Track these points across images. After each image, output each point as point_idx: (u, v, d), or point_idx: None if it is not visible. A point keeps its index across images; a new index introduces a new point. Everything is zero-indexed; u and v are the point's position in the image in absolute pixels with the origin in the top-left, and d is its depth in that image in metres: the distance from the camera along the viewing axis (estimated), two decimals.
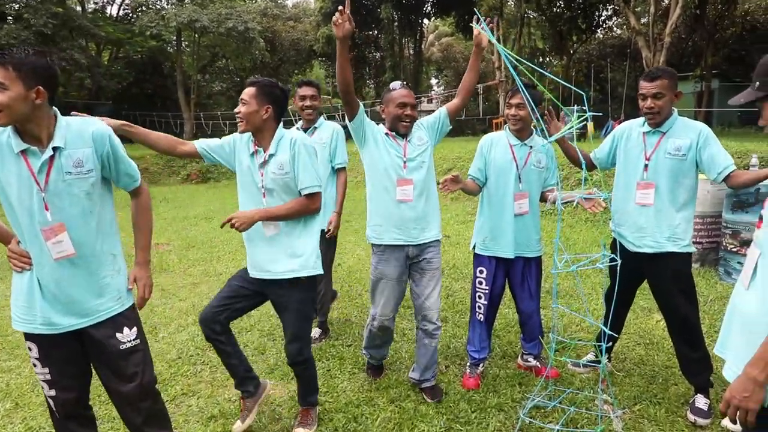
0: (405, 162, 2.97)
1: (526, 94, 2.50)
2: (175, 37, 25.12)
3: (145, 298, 2.23)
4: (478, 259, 3.31)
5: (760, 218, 1.66)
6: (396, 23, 28.56)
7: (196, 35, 24.42)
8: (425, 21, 31.62)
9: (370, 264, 3.16)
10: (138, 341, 2.17)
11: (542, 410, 2.98)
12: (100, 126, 2.03)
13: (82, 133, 1.98)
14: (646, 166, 2.96)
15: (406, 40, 30.96)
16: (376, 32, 31.01)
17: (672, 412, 2.98)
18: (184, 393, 3.32)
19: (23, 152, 1.89)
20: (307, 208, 2.65)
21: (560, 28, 25.18)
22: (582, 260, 4.52)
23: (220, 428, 2.93)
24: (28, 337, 2.07)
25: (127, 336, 2.13)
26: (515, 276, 3.31)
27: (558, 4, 25.43)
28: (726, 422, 2.65)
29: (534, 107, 2.76)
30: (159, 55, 29.04)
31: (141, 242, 2.26)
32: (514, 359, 3.65)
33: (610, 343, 3.20)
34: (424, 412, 3.02)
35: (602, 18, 26.12)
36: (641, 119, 3.04)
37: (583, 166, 2.85)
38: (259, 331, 4.30)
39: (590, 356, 3.55)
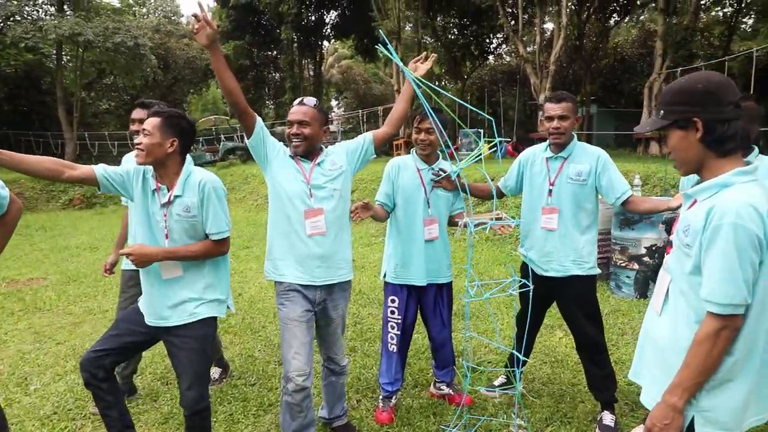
0: (310, 189, 2.70)
1: (436, 119, 2.44)
2: (55, 51, 23.21)
3: None
4: (390, 288, 3.20)
5: (670, 243, 1.68)
6: (296, 44, 28.42)
7: (80, 49, 22.71)
8: (325, 43, 31.76)
9: (272, 293, 2.91)
10: None
11: None
12: None
13: None
14: (550, 191, 3.01)
15: (305, 61, 30.86)
16: (275, 53, 30.68)
17: (583, 430, 3.02)
18: None
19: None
20: (214, 251, 2.44)
21: (455, 54, 26.30)
22: (493, 286, 4.55)
23: None
24: None
25: None
26: (427, 304, 3.23)
27: (452, 31, 26.61)
28: None
29: (443, 131, 2.72)
30: (37, 69, 26.64)
31: None
32: (427, 387, 3.56)
33: (523, 367, 3.21)
34: None
35: (493, 45, 27.64)
36: (544, 145, 3.11)
37: (494, 196, 2.86)
38: (152, 374, 3.89)
39: (501, 379, 3.55)
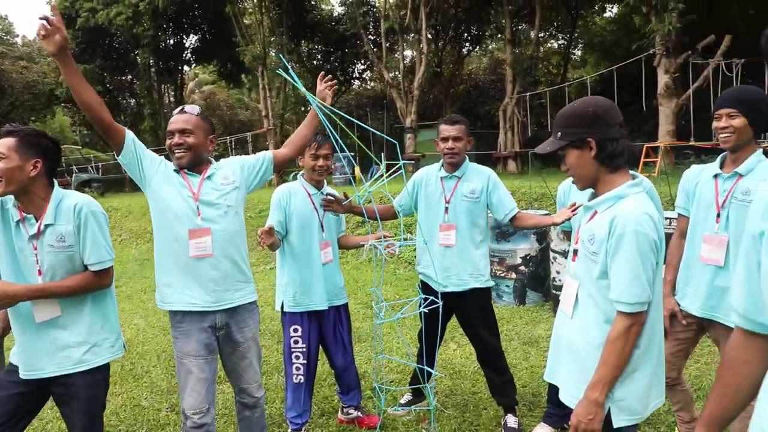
0: (198, 207, 2.45)
1: (343, 145, 2.45)
2: None
3: None
4: (290, 318, 3.10)
5: (575, 252, 1.83)
6: (153, 69, 26.96)
7: None
8: (185, 68, 30.47)
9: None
10: None
11: None
12: None
13: None
14: (446, 208, 3.15)
15: (165, 87, 29.33)
16: (130, 77, 28.81)
17: None
18: None
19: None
20: (96, 284, 2.18)
21: None
22: (398, 307, 4.59)
23: None
24: None
25: None
26: (327, 328, 3.18)
27: (317, 57, 26.99)
28: None
29: (349, 156, 2.73)
30: None
31: None
32: (334, 415, 3.50)
33: (432, 383, 3.28)
34: None
35: (358, 71, 28.48)
36: (437, 165, 3.25)
37: (399, 216, 2.92)
38: None
39: (408, 397, 3.59)
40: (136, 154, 2.41)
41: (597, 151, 1.72)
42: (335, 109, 2.35)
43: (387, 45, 19.72)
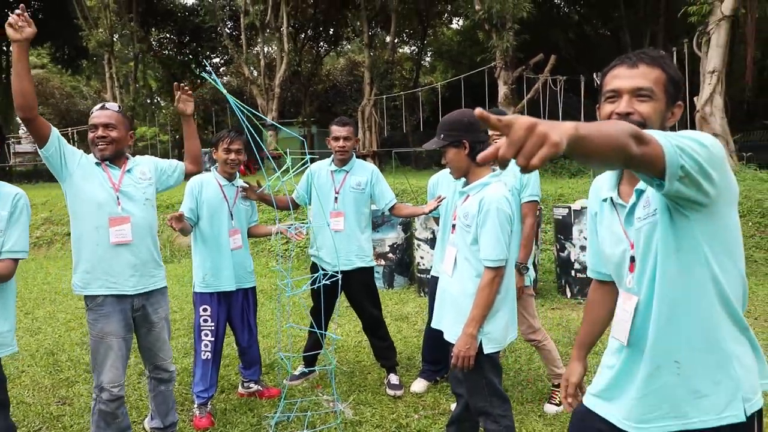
0: (118, 197, 2.69)
1: (257, 138, 2.78)
2: None
3: None
4: (201, 298, 3.37)
5: (453, 226, 2.42)
6: None
7: None
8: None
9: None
10: None
11: (281, 425, 3.26)
12: None
13: None
14: (336, 198, 3.62)
15: None
16: None
17: (376, 392, 3.68)
18: None
19: None
20: (12, 272, 2.32)
21: (174, 71, 25.50)
22: (302, 283, 4.89)
23: None
24: None
25: None
26: (235, 309, 3.50)
27: (169, 47, 25.74)
28: (547, 407, 3.41)
29: (263, 148, 3.05)
30: None
31: None
32: (234, 390, 3.80)
33: (319, 351, 3.74)
34: None
35: (216, 66, 27.62)
36: (328, 160, 3.70)
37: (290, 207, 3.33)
38: None
39: (301, 368, 4.00)
40: (59, 149, 2.58)
41: (469, 150, 2.31)
42: (253, 110, 2.69)
43: (245, 40, 19.57)
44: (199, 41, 24.64)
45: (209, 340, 3.37)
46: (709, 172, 1.18)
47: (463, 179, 2.44)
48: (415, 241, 6.31)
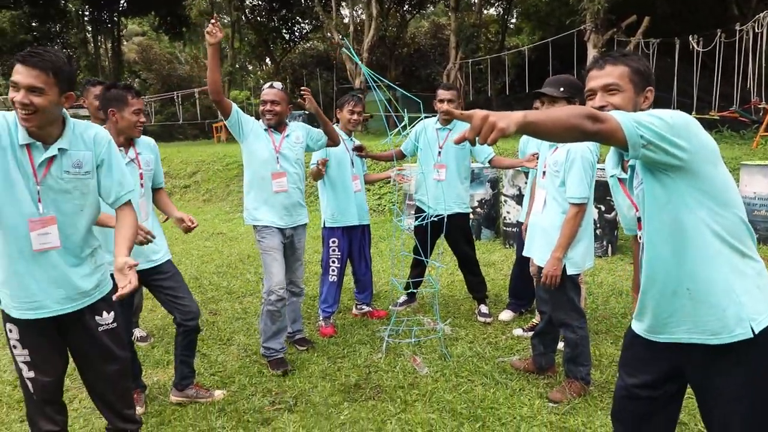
0: (278, 157, 3.49)
1: (387, 104, 3.45)
2: None
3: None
4: (330, 232, 4.14)
5: (544, 173, 2.97)
6: (86, 18, 25.99)
7: None
8: (123, 19, 29.40)
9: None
10: (116, 323, 2.35)
11: (391, 336, 4.01)
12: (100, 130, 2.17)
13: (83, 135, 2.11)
14: (439, 152, 4.24)
15: (101, 38, 28.27)
16: (59, 27, 27.57)
17: (468, 319, 4.35)
18: None
19: (28, 146, 1.99)
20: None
21: (266, 37, 26.73)
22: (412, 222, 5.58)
23: None
24: (8, 319, 2.12)
25: (106, 319, 2.32)
26: (355, 243, 4.24)
27: (263, 14, 26.91)
28: (517, 331, 4.08)
29: (390, 110, 3.70)
30: None
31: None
32: (349, 312, 4.58)
33: (422, 279, 4.45)
34: (306, 357, 3.73)
35: (304, 31, 28.62)
36: (434, 119, 4.31)
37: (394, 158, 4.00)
38: None
39: (403, 298, 4.72)
40: (238, 120, 3.42)
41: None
42: (381, 77, 3.33)
43: (334, 6, 20.22)
44: (289, 7, 25.56)
45: (336, 266, 4.14)
46: (673, 140, 1.41)
47: (529, 139, 2.97)
48: (502, 197, 6.82)
